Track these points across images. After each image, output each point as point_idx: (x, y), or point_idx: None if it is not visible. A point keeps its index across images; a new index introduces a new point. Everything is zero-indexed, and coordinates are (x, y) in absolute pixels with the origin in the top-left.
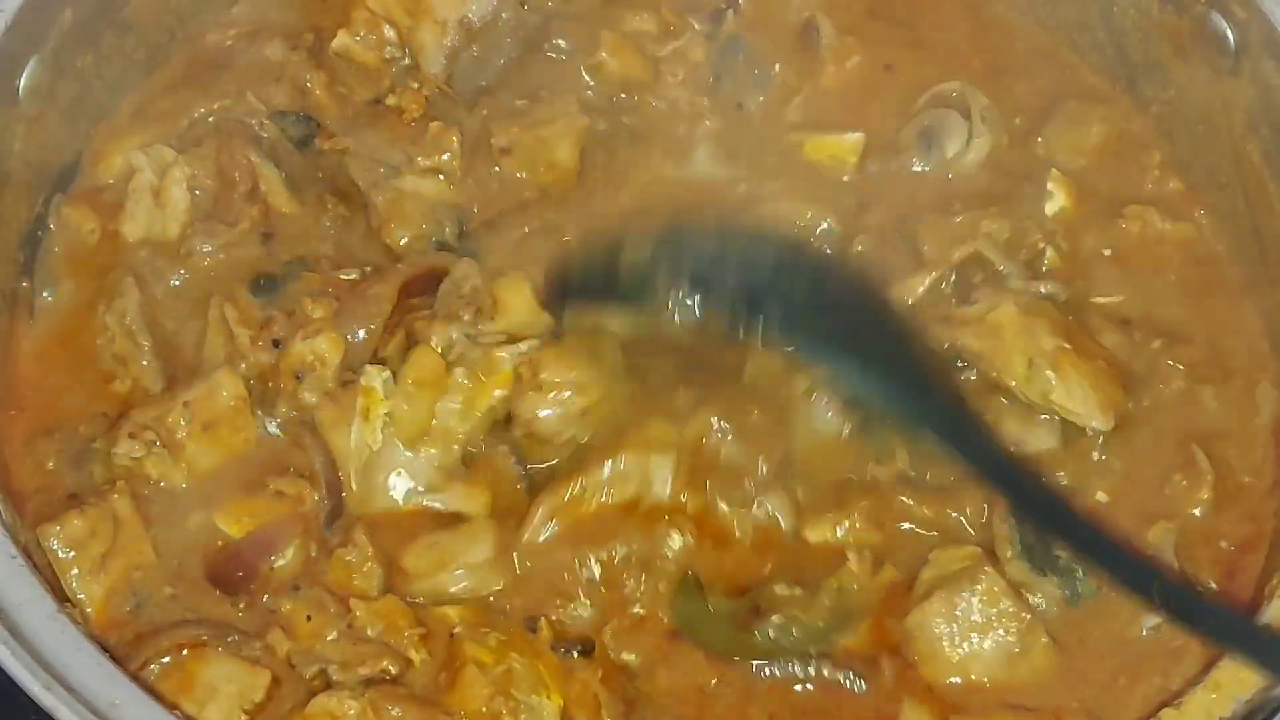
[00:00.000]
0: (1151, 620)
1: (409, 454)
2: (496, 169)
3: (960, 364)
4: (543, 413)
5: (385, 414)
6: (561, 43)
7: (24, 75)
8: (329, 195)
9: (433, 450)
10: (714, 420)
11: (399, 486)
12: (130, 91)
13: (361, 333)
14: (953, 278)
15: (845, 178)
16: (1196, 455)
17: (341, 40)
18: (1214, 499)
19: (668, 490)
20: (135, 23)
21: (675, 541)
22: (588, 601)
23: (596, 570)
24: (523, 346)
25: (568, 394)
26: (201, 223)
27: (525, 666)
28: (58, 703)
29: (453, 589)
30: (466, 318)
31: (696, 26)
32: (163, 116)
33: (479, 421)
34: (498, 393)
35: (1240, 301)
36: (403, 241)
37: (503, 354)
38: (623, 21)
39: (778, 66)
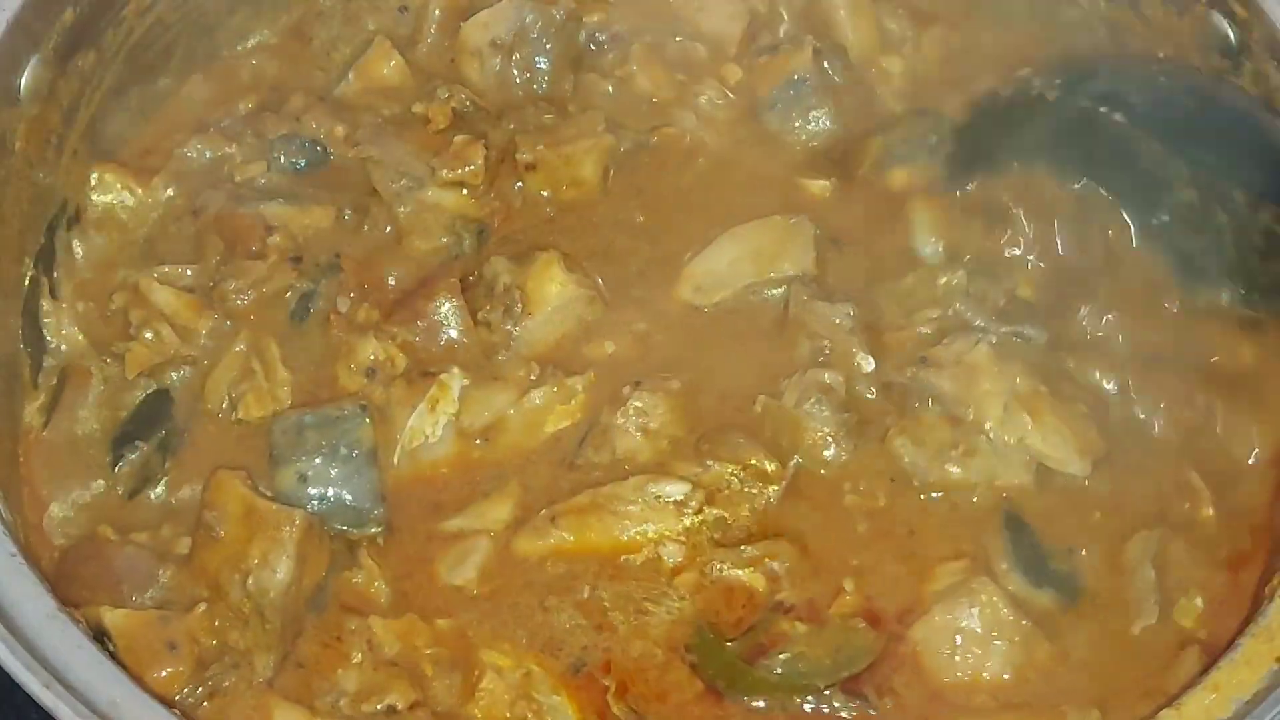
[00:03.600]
0: (1144, 621)
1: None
2: (519, 185)
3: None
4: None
5: (451, 414)
6: (598, 40)
7: (25, 74)
8: (346, 206)
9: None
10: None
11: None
12: (128, 120)
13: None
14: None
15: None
16: (1190, 477)
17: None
18: (1214, 516)
19: (679, 557)
20: (136, 25)
21: (673, 604)
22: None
23: (585, 593)
24: (591, 375)
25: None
26: (225, 265)
27: (543, 669)
28: (57, 701)
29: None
30: (496, 319)
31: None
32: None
33: (540, 444)
34: (565, 424)
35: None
36: (420, 250)
37: (575, 382)
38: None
39: (828, 111)
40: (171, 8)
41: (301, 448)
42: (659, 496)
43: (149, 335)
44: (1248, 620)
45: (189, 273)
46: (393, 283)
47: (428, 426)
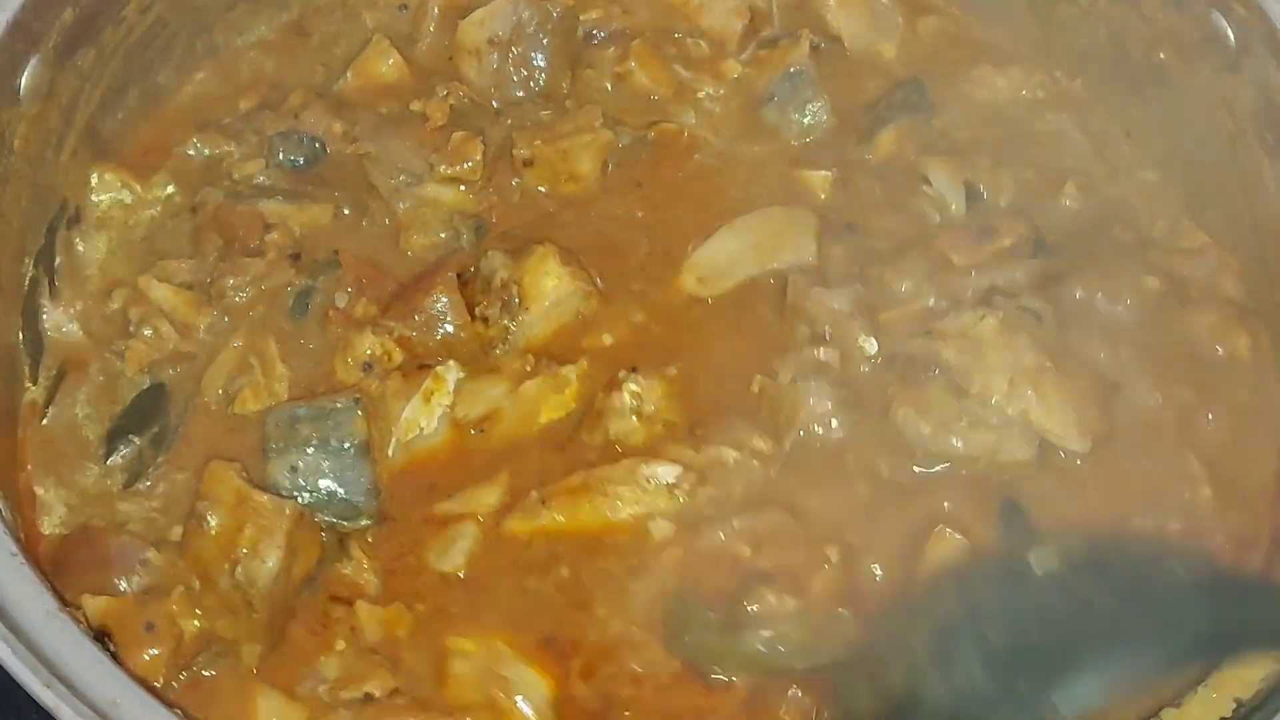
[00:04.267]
0: None
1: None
2: (517, 180)
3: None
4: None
5: (446, 406)
6: (597, 36)
7: (25, 74)
8: (344, 203)
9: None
10: None
11: None
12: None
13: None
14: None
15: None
16: (1188, 461)
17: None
18: (1213, 500)
19: (669, 531)
20: (136, 24)
21: (654, 579)
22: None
23: (566, 572)
24: (584, 363)
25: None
26: (224, 262)
27: (510, 646)
28: (58, 701)
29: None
30: (494, 314)
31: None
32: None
33: (535, 433)
34: (560, 414)
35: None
36: (419, 245)
37: (569, 370)
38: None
39: (825, 104)
40: (171, 6)
41: (293, 439)
42: (650, 478)
43: (148, 332)
44: None
45: (187, 268)
46: (390, 278)
47: (423, 419)
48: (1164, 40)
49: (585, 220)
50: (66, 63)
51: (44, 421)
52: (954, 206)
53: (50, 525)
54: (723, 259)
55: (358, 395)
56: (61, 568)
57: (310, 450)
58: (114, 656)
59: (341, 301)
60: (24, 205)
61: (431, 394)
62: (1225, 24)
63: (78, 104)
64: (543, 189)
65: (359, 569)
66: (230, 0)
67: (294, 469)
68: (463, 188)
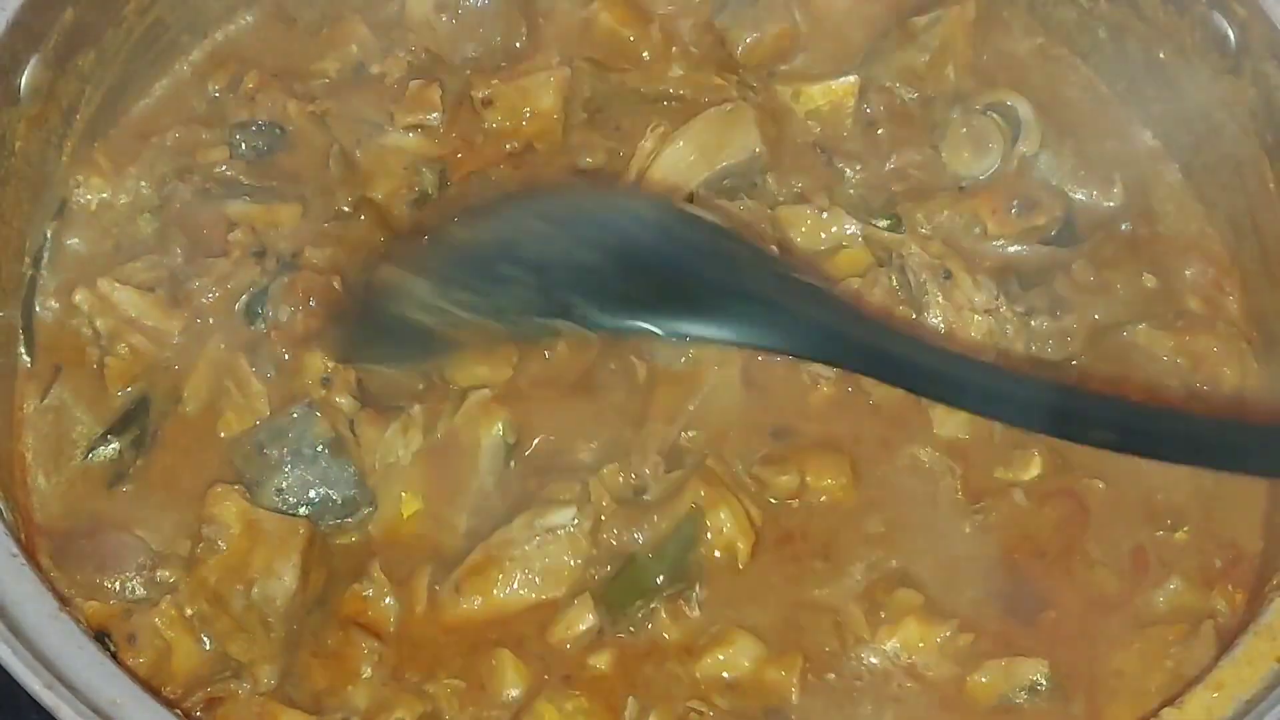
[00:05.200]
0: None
1: None
2: (479, 121)
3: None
4: None
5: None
6: None
7: (25, 74)
8: (311, 194)
9: None
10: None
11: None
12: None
13: None
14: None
15: (845, 131)
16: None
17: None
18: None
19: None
20: (136, 25)
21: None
22: None
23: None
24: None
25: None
26: (188, 265)
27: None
28: (59, 701)
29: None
30: None
31: None
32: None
33: None
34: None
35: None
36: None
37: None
38: None
39: None
40: (171, 7)
41: (266, 464)
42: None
43: (123, 349)
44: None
45: (152, 268)
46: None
47: (399, 447)
48: (1164, 40)
49: (550, 158)
50: (67, 63)
51: (39, 421)
52: (1025, 149)
53: (45, 519)
54: (682, 167)
55: (309, 400)
56: (63, 556)
57: (287, 468)
58: (114, 657)
59: (284, 316)
60: (24, 206)
61: (406, 429)
62: (1225, 24)
63: (78, 105)
64: (506, 123)
65: (380, 592)
66: (230, 2)
67: (280, 491)
68: (423, 132)
